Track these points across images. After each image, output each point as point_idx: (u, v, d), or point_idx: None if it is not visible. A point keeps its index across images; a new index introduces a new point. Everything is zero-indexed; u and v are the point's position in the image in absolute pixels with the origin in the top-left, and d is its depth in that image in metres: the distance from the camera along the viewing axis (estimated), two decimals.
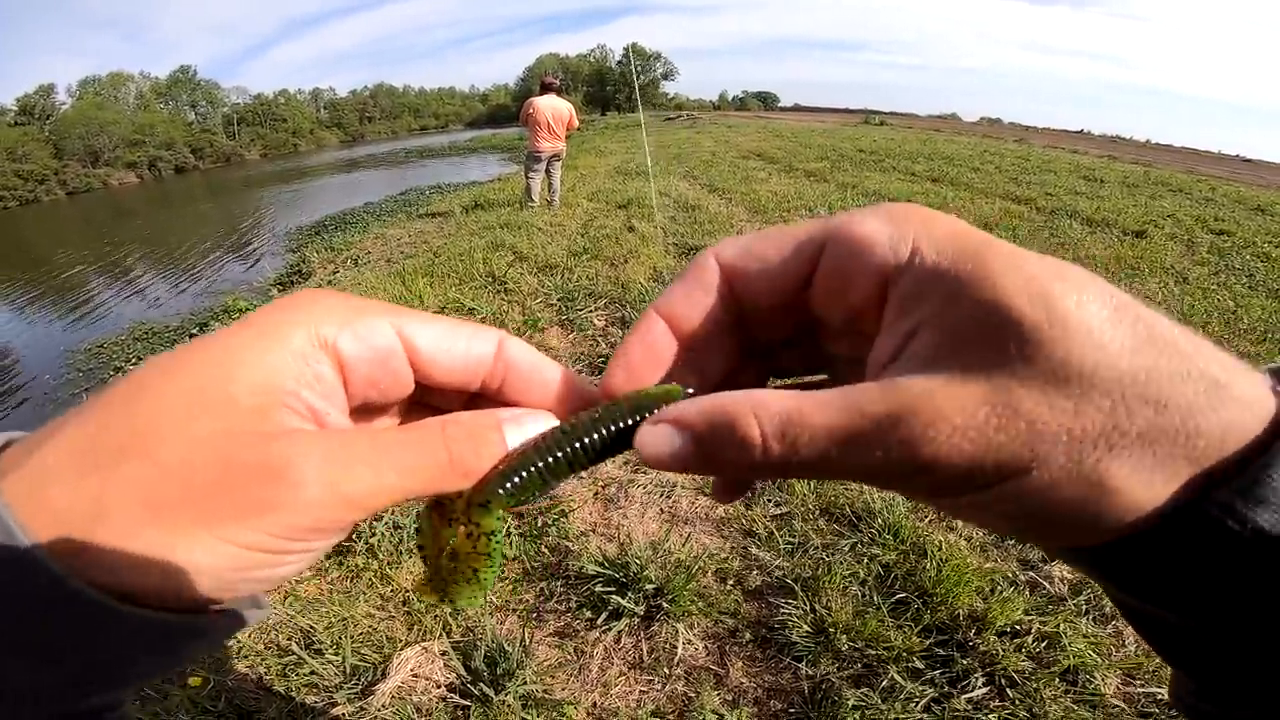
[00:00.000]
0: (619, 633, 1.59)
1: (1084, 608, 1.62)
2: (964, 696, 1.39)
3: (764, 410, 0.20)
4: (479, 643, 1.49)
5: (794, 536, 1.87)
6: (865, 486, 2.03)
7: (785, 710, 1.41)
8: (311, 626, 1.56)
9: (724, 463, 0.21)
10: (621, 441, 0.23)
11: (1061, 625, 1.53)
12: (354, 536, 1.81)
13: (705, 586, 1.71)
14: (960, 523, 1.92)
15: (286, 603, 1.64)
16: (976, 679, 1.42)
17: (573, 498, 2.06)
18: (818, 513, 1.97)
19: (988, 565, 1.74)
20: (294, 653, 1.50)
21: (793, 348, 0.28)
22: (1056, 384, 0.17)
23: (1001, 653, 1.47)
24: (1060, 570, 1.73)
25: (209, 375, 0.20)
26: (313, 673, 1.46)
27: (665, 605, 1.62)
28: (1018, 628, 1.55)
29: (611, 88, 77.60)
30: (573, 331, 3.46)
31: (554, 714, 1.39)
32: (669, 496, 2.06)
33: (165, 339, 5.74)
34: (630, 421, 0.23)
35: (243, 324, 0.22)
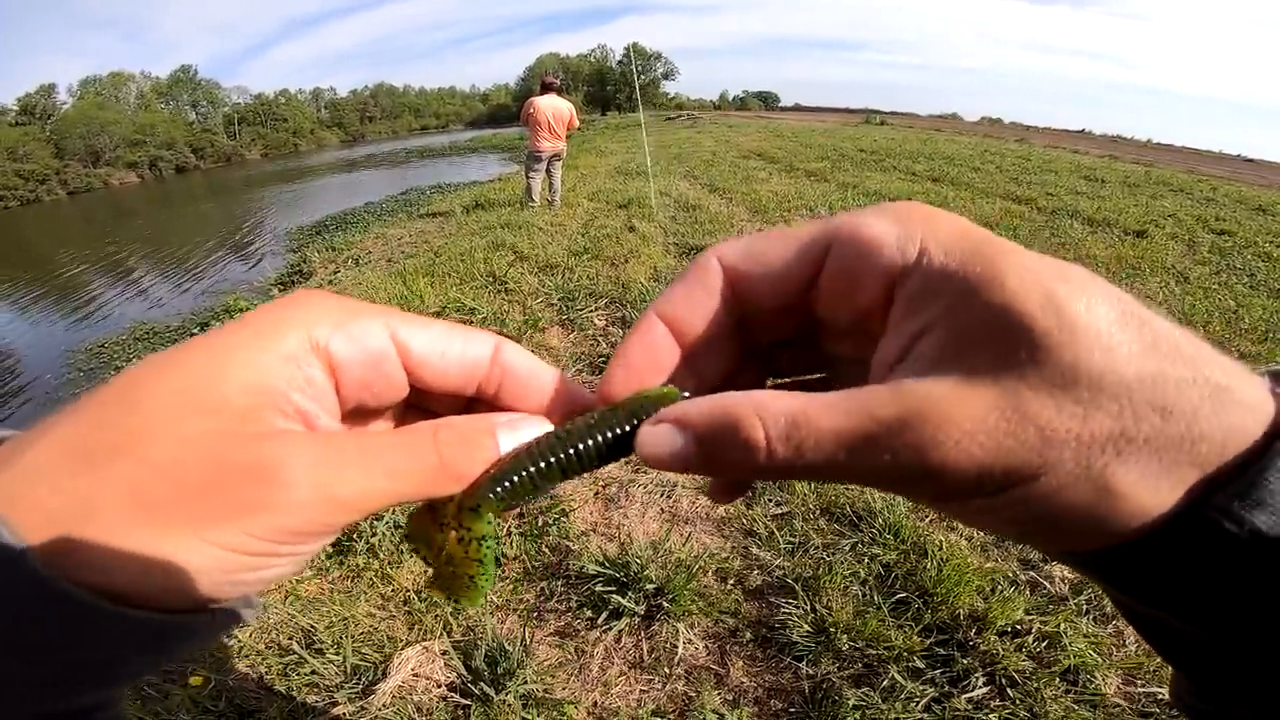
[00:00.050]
0: (619, 632, 1.59)
1: (1084, 607, 1.62)
2: (964, 696, 1.38)
3: (768, 412, 0.19)
4: (479, 642, 1.49)
5: (794, 536, 1.87)
6: (866, 487, 2.04)
7: (786, 710, 1.41)
8: (312, 626, 1.56)
9: (726, 465, 0.21)
10: (619, 447, 0.23)
11: (1062, 625, 1.53)
12: (355, 536, 1.81)
13: (706, 586, 1.71)
14: (960, 523, 1.92)
15: (287, 602, 1.64)
16: (977, 679, 1.42)
17: (573, 497, 2.06)
18: (818, 512, 1.97)
19: (988, 565, 1.74)
20: (295, 652, 1.50)
21: (791, 349, 0.27)
22: (1066, 389, 0.17)
23: (1002, 652, 1.47)
24: (1061, 570, 1.73)
25: (201, 375, 0.20)
26: (313, 672, 1.46)
27: (666, 605, 1.62)
28: (1018, 627, 1.55)
29: (612, 87, 77.57)
30: (573, 331, 3.46)
31: (554, 713, 1.39)
32: (669, 496, 2.06)
33: (166, 339, 5.74)
34: (627, 426, 0.23)
35: (237, 324, 0.22)
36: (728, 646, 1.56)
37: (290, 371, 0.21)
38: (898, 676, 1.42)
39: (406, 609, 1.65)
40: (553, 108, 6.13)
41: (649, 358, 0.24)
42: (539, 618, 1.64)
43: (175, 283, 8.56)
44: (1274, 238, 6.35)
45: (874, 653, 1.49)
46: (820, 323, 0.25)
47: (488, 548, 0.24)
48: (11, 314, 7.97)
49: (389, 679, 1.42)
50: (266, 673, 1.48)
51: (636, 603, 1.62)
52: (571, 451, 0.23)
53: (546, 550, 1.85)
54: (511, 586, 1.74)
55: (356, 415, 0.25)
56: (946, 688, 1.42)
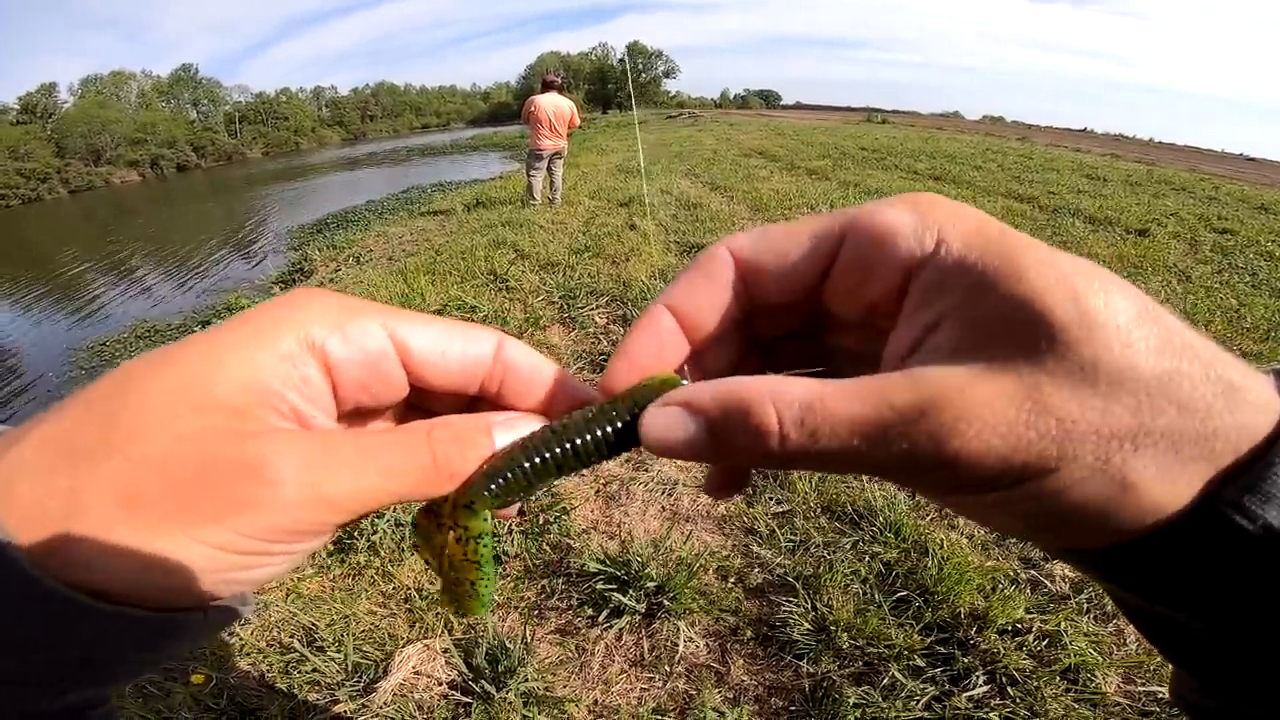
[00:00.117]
0: (620, 630, 1.59)
1: (1085, 606, 1.62)
2: (965, 695, 1.38)
3: (782, 397, 0.19)
4: (480, 640, 1.49)
5: (795, 534, 1.87)
6: (868, 483, 2.04)
7: (786, 708, 1.41)
8: (314, 624, 1.56)
9: (737, 451, 0.20)
10: (620, 439, 0.22)
11: (1063, 623, 1.53)
12: (356, 534, 1.82)
13: (706, 584, 1.71)
14: (962, 520, 1.92)
15: (289, 600, 1.65)
16: (977, 677, 1.42)
17: (574, 495, 2.06)
18: (819, 510, 1.97)
19: (989, 563, 1.74)
20: (296, 650, 1.50)
21: (794, 341, 0.27)
22: (1086, 382, 0.17)
23: (1002, 651, 1.47)
24: (1062, 569, 1.73)
25: (195, 373, 0.20)
26: (315, 670, 1.47)
27: (666, 603, 1.62)
28: (1019, 626, 1.55)
29: (613, 86, 77.38)
30: (574, 329, 3.46)
31: (555, 711, 1.40)
32: (670, 494, 2.06)
33: (167, 336, 5.75)
34: (627, 419, 0.22)
35: (233, 322, 0.22)
36: (728, 644, 1.56)
37: (286, 370, 0.21)
38: (898, 675, 1.42)
39: (407, 607, 1.65)
40: (554, 106, 6.13)
41: (655, 350, 0.24)
42: (540, 616, 1.65)
43: (177, 281, 8.58)
44: (1276, 237, 6.34)
45: (874, 651, 1.49)
46: (827, 315, 0.24)
47: (485, 546, 0.24)
48: (14, 312, 8.00)
49: (390, 677, 1.43)
50: (268, 670, 1.48)
51: (637, 601, 1.62)
52: (568, 445, 0.22)
53: (547, 548, 1.85)
54: (512, 584, 1.74)
55: (356, 415, 0.25)
56: (947, 686, 1.42)
